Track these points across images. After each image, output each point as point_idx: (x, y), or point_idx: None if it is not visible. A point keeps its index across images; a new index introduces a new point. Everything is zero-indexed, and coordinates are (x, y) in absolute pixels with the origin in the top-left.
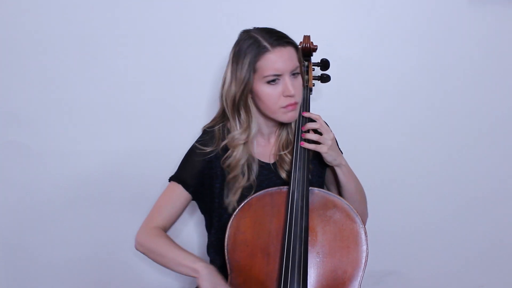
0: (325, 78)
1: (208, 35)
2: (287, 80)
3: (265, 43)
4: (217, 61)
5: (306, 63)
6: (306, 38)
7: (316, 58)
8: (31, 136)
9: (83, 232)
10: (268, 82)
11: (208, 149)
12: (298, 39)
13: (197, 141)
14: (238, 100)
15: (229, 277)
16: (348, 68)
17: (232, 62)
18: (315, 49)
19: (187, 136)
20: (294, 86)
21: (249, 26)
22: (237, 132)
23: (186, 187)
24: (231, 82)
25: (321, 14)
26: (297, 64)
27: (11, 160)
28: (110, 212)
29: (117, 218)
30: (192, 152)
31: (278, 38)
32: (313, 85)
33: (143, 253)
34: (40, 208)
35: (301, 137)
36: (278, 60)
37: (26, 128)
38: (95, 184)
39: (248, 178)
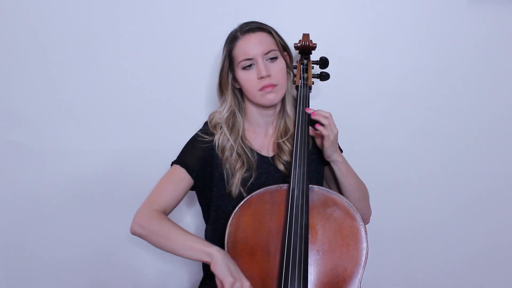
0: (324, 76)
1: (208, 35)
2: (259, 63)
3: (238, 33)
4: (217, 61)
5: (305, 61)
6: (306, 36)
7: (315, 56)
8: (31, 136)
9: (83, 231)
10: (244, 68)
11: (208, 138)
12: (297, 38)
13: (199, 131)
14: (221, 86)
15: None
16: (347, 66)
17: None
18: (314, 47)
19: (187, 136)
20: (268, 68)
21: None
22: (217, 111)
23: (189, 171)
24: (219, 72)
25: (321, 13)
26: (272, 47)
27: (11, 160)
28: (110, 212)
29: (117, 218)
30: (194, 140)
31: (248, 26)
32: (313, 83)
33: (142, 236)
34: (40, 208)
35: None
36: (247, 44)
37: (26, 128)
38: (95, 184)
39: (247, 162)
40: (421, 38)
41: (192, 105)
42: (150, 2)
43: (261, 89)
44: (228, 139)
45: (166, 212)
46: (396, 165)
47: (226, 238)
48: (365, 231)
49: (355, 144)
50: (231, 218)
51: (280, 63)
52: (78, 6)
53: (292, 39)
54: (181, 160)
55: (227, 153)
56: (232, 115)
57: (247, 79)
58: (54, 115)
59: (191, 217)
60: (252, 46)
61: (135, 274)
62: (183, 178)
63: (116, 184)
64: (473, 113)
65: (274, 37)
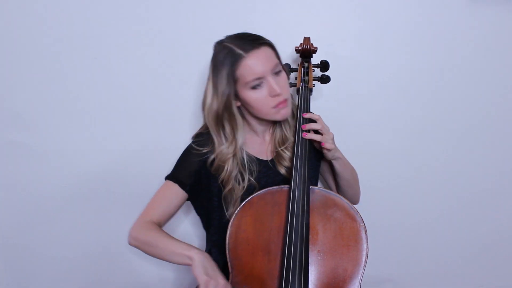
0: (325, 79)
1: (208, 36)
2: (270, 80)
3: (239, 50)
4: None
5: (306, 64)
6: (306, 39)
7: (316, 59)
8: (31, 136)
9: (83, 231)
10: (253, 88)
11: (205, 150)
12: (298, 41)
13: (193, 142)
14: (222, 114)
15: (230, 275)
16: (348, 69)
17: (212, 77)
18: (315, 51)
19: (187, 136)
20: (278, 84)
21: (249, 28)
22: (224, 146)
23: (182, 186)
24: (212, 98)
25: (321, 16)
26: (276, 61)
27: (11, 160)
28: (110, 212)
29: (117, 217)
30: (188, 152)
31: (250, 42)
32: (313, 86)
33: (137, 247)
34: (40, 208)
35: (302, 135)
36: (255, 64)
37: (26, 128)
38: (95, 183)
39: (246, 180)
40: (421, 38)
41: (192, 106)
42: (150, 3)
43: (276, 106)
44: (236, 167)
45: (160, 225)
46: (396, 165)
47: (227, 238)
48: (365, 231)
49: (355, 145)
50: (232, 218)
51: (283, 75)
52: (78, 6)
53: (292, 42)
54: (174, 176)
55: (231, 185)
56: (237, 144)
57: (258, 98)
58: (54, 115)
59: (190, 224)
60: (262, 65)
61: (135, 273)
62: (176, 193)
63: (116, 184)
64: (473, 113)
65: (274, 50)
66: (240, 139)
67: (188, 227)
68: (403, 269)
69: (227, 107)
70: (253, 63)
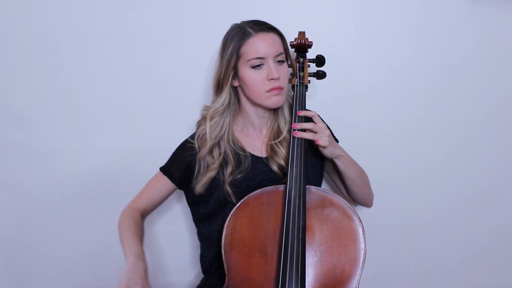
0: (320, 75)
1: (205, 34)
2: (271, 64)
3: (249, 29)
4: (215, 60)
5: (301, 59)
6: (301, 34)
7: (311, 54)
8: (31, 136)
9: (83, 231)
10: (253, 67)
11: (196, 143)
12: (293, 36)
13: (190, 136)
14: (222, 83)
15: (226, 277)
16: (343, 65)
17: (220, 52)
18: (310, 45)
19: (187, 136)
20: (278, 70)
21: None
22: (211, 106)
23: (171, 179)
24: (217, 70)
25: (317, 10)
26: (281, 50)
27: (11, 160)
28: (110, 211)
29: (117, 217)
30: (182, 146)
31: (262, 25)
32: (309, 82)
33: None
34: (40, 208)
35: (293, 133)
36: (260, 43)
37: (26, 128)
38: (95, 183)
39: (239, 167)
40: (420, 37)
41: (192, 105)
42: (150, 2)
43: (269, 90)
44: (210, 134)
45: (146, 211)
46: (394, 164)
47: (223, 240)
48: (363, 231)
49: (350, 142)
50: (227, 219)
51: (286, 67)
52: (78, 6)
53: (288, 38)
54: (166, 169)
55: (204, 150)
56: (221, 112)
57: (255, 78)
58: (55, 115)
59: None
60: (266, 46)
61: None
62: (165, 184)
63: (116, 183)
64: (473, 113)
65: (283, 41)
66: (220, 106)
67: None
68: (402, 269)
69: (226, 76)
70: (259, 43)
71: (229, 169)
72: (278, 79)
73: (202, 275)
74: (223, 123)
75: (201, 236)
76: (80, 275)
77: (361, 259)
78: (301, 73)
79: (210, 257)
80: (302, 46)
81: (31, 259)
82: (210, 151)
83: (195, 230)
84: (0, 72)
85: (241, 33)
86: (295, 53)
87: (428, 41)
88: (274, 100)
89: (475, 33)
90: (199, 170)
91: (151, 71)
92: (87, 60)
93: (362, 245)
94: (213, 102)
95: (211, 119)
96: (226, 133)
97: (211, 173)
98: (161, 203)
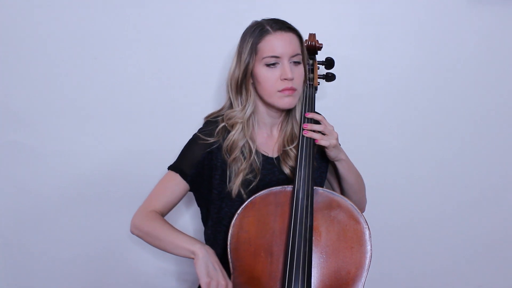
0: (330, 77)
1: (210, 35)
2: (285, 64)
3: (268, 27)
4: (218, 61)
5: (311, 61)
6: (312, 36)
7: (321, 56)
8: (31, 136)
9: (84, 231)
10: (268, 65)
11: (211, 140)
12: (303, 37)
13: (199, 131)
14: (241, 82)
15: (231, 276)
16: (353, 67)
17: (238, 47)
18: (320, 48)
19: (187, 135)
20: (293, 71)
21: None
22: (237, 110)
23: (184, 176)
24: (235, 67)
25: (327, 13)
26: (298, 51)
27: (11, 160)
28: (110, 211)
29: (117, 217)
30: (193, 142)
31: (281, 24)
32: (318, 84)
33: (139, 237)
34: (40, 208)
35: (303, 132)
36: (277, 42)
37: (26, 128)
38: (95, 183)
39: (251, 165)
40: (423, 38)
41: (192, 105)
42: (151, 3)
43: (282, 90)
44: (244, 137)
45: (163, 214)
46: (398, 165)
47: (229, 239)
48: (369, 234)
49: (358, 143)
50: (234, 219)
51: (302, 69)
52: (79, 6)
53: None
54: (177, 166)
55: (237, 153)
56: (250, 115)
57: (268, 77)
58: (55, 115)
59: (190, 218)
60: (282, 45)
61: (135, 273)
62: (178, 183)
63: (116, 183)
64: (474, 113)
65: (301, 42)
66: (248, 109)
67: (188, 221)
68: (402, 269)
69: (246, 76)
70: (275, 41)
71: (249, 169)
72: (291, 79)
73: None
74: (252, 127)
75: (207, 236)
76: (80, 275)
77: (367, 262)
78: (311, 75)
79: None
80: (312, 48)
81: (31, 259)
82: (242, 154)
83: (197, 215)
84: (0, 72)
85: (259, 29)
86: None
87: (429, 41)
88: (286, 101)
89: (476, 33)
90: (230, 175)
91: (151, 71)
92: (87, 60)
93: (368, 248)
94: (237, 103)
95: (241, 127)
96: (250, 134)
97: (243, 173)
98: (175, 205)
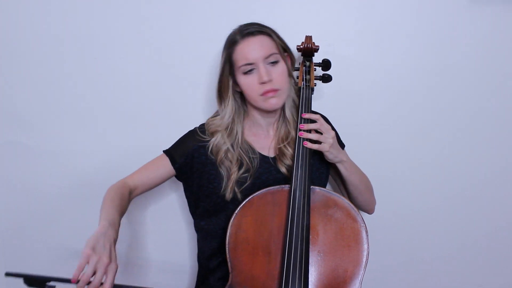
0: (326, 78)
1: (208, 35)
2: (261, 67)
3: (237, 36)
4: (216, 61)
5: (308, 63)
6: (308, 38)
7: (317, 58)
8: (31, 136)
9: (84, 231)
10: (245, 73)
11: (207, 138)
12: (300, 40)
13: (199, 127)
14: (220, 93)
15: (230, 275)
16: (349, 68)
17: (221, 56)
18: (316, 49)
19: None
20: (269, 73)
21: None
22: (217, 118)
23: (172, 162)
24: (219, 73)
25: (323, 15)
26: (272, 51)
27: (11, 160)
28: None
29: None
30: (190, 134)
31: (248, 29)
32: (315, 85)
33: None
34: (40, 208)
35: (302, 137)
36: (247, 49)
37: (26, 128)
38: (95, 183)
39: (241, 164)
40: (421, 38)
41: (191, 105)
42: (149, 2)
43: (263, 94)
44: (224, 142)
45: (137, 188)
46: (396, 165)
47: (227, 238)
48: (366, 232)
49: (356, 144)
50: (232, 218)
51: (281, 66)
52: (78, 6)
53: (294, 41)
54: (169, 151)
55: (221, 155)
56: (231, 121)
57: (248, 84)
58: (54, 115)
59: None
60: (252, 50)
61: (135, 273)
62: (165, 166)
63: None
64: (474, 113)
65: (274, 40)
66: (227, 117)
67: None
68: (402, 268)
69: (224, 85)
70: (245, 48)
71: (241, 170)
72: (269, 81)
73: (196, 269)
74: (236, 132)
75: (199, 227)
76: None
77: (364, 260)
78: (308, 76)
79: (208, 250)
80: (308, 50)
81: (31, 259)
82: (225, 156)
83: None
84: (0, 73)
85: (230, 41)
86: (302, 57)
87: (429, 41)
88: (271, 103)
89: (476, 33)
90: (222, 176)
91: (151, 71)
92: (87, 60)
93: (365, 246)
94: (220, 112)
95: (220, 134)
96: (239, 138)
97: (234, 176)
98: (155, 185)
